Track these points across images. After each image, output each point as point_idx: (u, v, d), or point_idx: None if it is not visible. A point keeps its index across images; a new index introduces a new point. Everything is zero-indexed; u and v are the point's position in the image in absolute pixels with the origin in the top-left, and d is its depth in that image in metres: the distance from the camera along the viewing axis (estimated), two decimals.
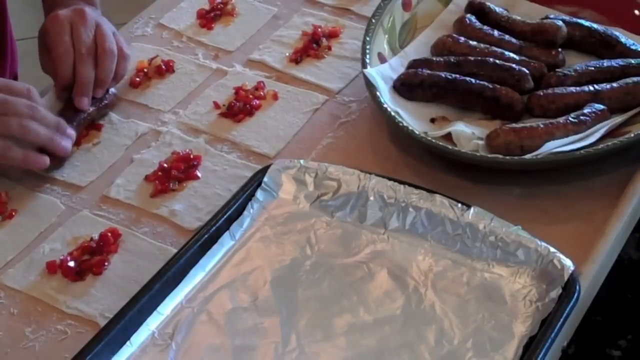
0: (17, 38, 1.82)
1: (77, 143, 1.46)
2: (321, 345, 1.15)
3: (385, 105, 1.39)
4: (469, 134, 1.36)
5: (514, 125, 1.36)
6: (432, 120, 1.42)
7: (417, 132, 1.36)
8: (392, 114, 1.38)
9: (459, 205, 1.25)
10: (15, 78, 1.79)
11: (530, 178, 1.35)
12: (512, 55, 1.46)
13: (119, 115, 1.51)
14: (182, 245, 1.25)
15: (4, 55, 1.74)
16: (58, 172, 1.42)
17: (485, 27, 1.51)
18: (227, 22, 1.68)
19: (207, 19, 1.68)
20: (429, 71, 1.44)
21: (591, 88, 1.39)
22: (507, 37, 1.50)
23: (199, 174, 1.40)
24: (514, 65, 1.43)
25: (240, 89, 1.53)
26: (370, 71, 1.44)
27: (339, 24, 1.64)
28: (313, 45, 1.60)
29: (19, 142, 1.37)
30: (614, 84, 1.39)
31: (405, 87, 1.44)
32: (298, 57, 1.58)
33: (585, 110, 1.35)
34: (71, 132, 1.42)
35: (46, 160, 1.39)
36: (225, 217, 1.27)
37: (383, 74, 1.45)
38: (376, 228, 1.28)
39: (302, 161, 1.33)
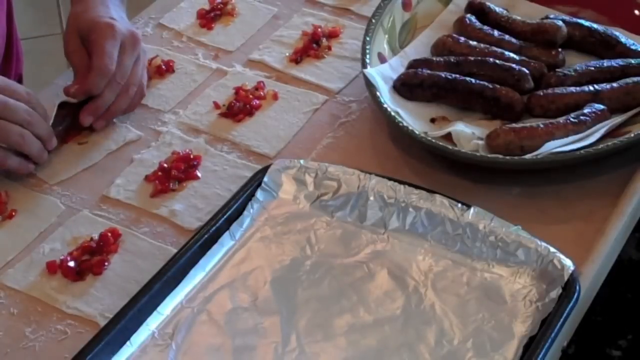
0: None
1: (65, 141, 1.47)
2: (321, 345, 1.15)
3: (385, 105, 1.39)
4: (469, 134, 1.36)
5: (514, 125, 1.36)
6: (432, 120, 1.42)
7: (417, 132, 1.36)
8: (392, 114, 1.38)
9: (459, 205, 1.25)
10: (20, 79, 1.79)
11: (530, 178, 1.35)
12: (512, 55, 1.46)
13: (116, 117, 1.51)
14: (182, 245, 1.25)
15: (10, 56, 1.74)
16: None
17: (485, 27, 1.51)
18: (227, 22, 1.68)
19: (207, 19, 1.68)
20: (429, 71, 1.44)
21: (591, 88, 1.39)
22: (507, 37, 1.50)
23: (199, 174, 1.40)
24: (514, 65, 1.43)
25: (240, 89, 1.53)
26: (370, 71, 1.44)
27: (339, 24, 1.64)
28: (313, 45, 1.60)
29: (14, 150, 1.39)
30: (614, 84, 1.39)
31: (405, 87, 1.44)
32: (298, 57, 1.58)
33: (585, 110, 1.35)
34: (54, 143, 1.42)
35: (32, 166, 1.41)
36: (225, 217, 1.27)
37: (383, 74, 1.45)
38: (376, 228, 1.28)
39: (302, 161, 1.33)
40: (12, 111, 1.37)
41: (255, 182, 1.31)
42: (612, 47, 1.47)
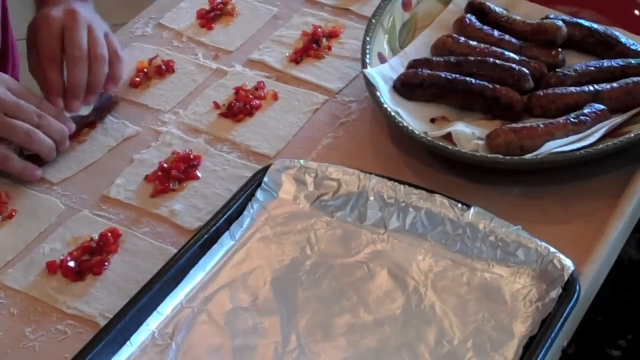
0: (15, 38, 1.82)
1: None
2: (321, 345, 1.15)
3: (385, 105, 1.39)
4: (469, 134, 1.36)
5: (514, 125, 1.36)
6: (432, 120, 1.42)
7: (417, 132, 1.36)
8: (392, 114, 1.38)
9: (459, 205, 1.25)
10: None
11: (530, 178, 1.35)
12: (512, 55, 1.46)
13: (114, 115, 1.51)
14: (182, 245, 1.25)
15: (6, 60, 1.74)
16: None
17: (485, 27, 1.51)
18: (227, 22, 1.68)
19: (207, 19, 1.69)
20: (429, 71, 1.44)
21: (591, 88, 1.39)
22: (507, 37, 1.50)
23: (199, 174, 1.40)
24: (514, 65, 1.43)
25: (240, 89, 1.53)
26: (370, 71, 1.44)
27: (339, 24, 1.64)
28: (313, 45, 1.60)
29: (19, 152, 1.39)
30: (614, 84, 1.39)
31: (405, 87, 1.44)
32: (298, 57, 1.58)
33: (585, 110, 1.35)
34: (66, 144, 1.43)
35: (39, 173, 1.41)
36: (225, 217, 1.27)
37: (383, 74, 1.45)
38: (376, 228, 1.28)
39: (302, 161, 1.33)
40: (23, 112, 1.38)
41: (255, 182, 1.31)
42: (612, 47, 1.47)
